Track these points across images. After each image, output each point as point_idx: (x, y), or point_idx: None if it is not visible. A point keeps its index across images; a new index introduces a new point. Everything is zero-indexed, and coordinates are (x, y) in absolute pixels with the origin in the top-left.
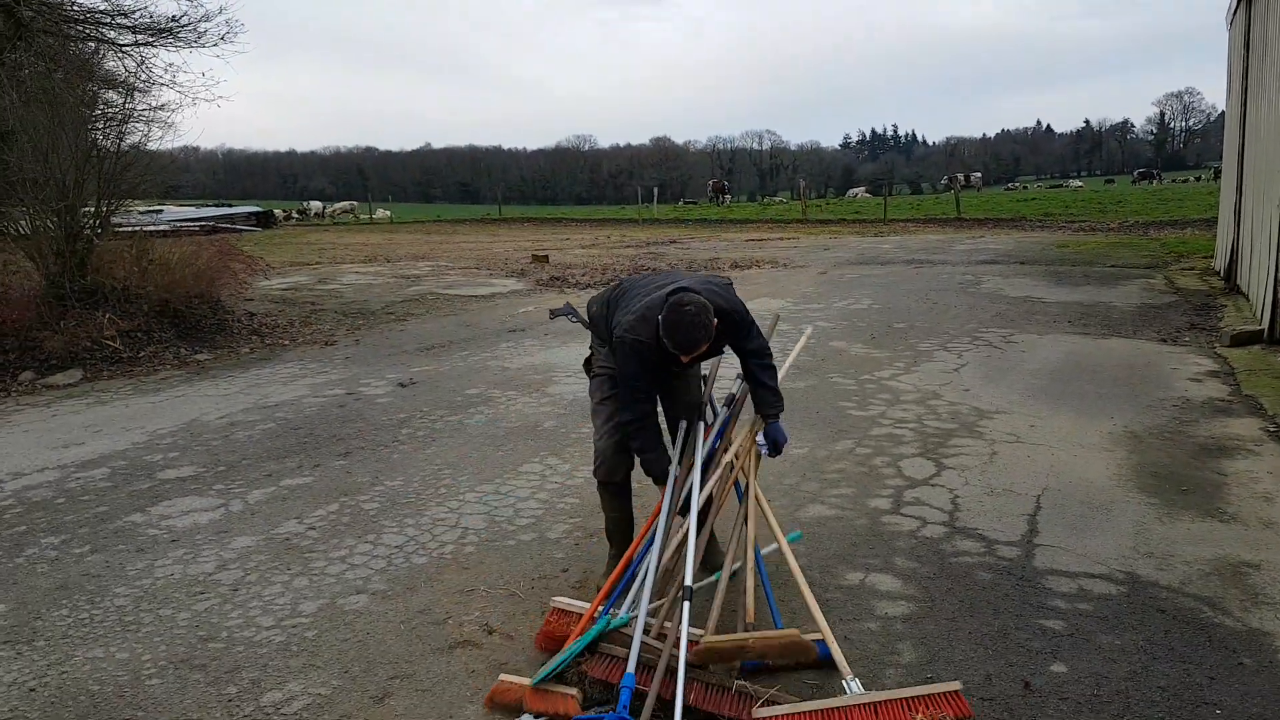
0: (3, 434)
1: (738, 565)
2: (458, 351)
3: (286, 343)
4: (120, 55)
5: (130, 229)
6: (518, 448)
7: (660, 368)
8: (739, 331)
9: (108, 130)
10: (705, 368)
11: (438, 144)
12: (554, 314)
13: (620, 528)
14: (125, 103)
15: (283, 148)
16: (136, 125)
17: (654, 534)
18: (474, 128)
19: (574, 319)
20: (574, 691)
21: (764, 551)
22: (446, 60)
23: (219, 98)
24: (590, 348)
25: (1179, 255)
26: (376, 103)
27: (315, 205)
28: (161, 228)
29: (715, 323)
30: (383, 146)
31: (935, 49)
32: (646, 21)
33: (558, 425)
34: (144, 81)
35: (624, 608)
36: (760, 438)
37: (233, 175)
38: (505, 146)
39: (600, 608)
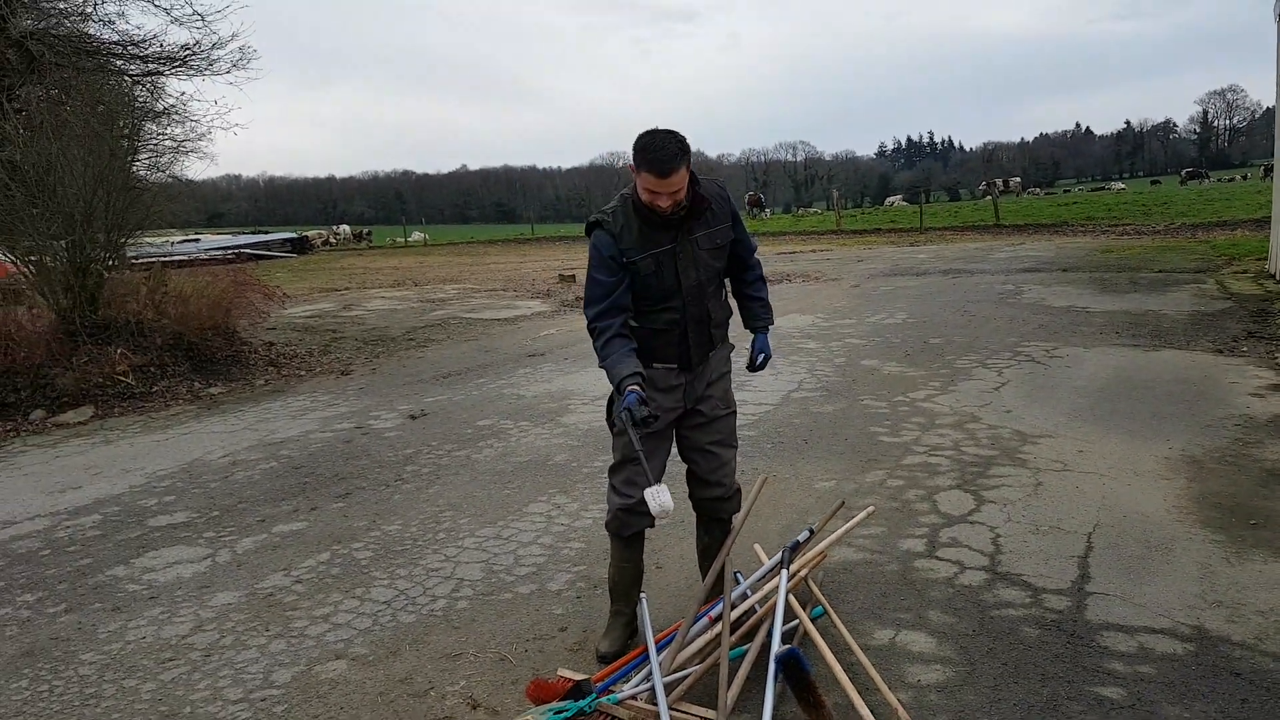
0: (3, 477)
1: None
2: (474, 379)
3: (303, 373)
4: (131, 85)
5: (149, 260)
6: (525, 485)
7: (641, 246)
8: (736, 219)
9: (113, 162)
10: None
11: (474, 165)
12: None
13: (625, 580)
14: (131, 133)
15: (322, 174)
16: (146, 156)
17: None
18: (510, 149)
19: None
20: None
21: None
22: (483, 81)
23: (235, 125)
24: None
25: (1230, 258)
26: (414, 126)
27: (345, 230)
28: (200, 256)
29: (690, 158)
30: (420, 170)
31: (970, 55)
32: (682, 38)
33: (569, 459)
34: (152, 111)
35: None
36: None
37: (274, 201)
38: (540, 166)
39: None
